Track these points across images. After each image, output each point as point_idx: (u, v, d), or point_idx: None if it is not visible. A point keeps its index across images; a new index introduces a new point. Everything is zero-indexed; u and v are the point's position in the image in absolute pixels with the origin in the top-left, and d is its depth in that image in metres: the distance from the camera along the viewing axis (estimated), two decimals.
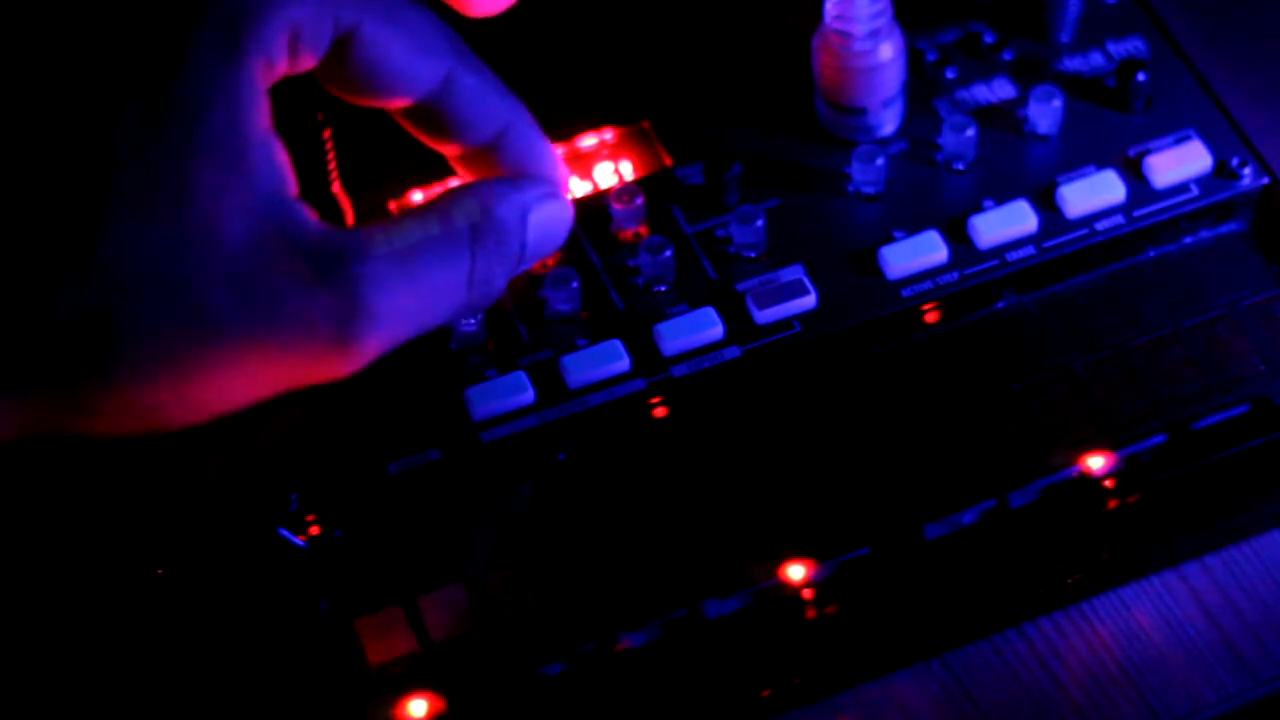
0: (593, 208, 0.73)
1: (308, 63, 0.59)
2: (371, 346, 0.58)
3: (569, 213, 0.65)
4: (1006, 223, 0.72)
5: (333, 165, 0.68)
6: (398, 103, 0.62)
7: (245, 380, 0.57)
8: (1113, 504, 0.68)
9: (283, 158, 0.58)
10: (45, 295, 0.55)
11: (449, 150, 0.65)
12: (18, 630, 0.65)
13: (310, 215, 0.58)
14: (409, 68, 0.61)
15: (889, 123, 0.75)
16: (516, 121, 0.64)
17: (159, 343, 0.55)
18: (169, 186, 0.55)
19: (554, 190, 0.64)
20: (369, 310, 0.57)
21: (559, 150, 0.70)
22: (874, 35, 0.72)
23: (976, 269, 0.71)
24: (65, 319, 0.55)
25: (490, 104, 0.63)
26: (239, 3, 0.56)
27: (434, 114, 0.63)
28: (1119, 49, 0.77)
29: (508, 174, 0.65)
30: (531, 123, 0.65)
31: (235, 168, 0.56)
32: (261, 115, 0.57)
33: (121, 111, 0.55)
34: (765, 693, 0.65)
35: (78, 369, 0.55)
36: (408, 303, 0.59)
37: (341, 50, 0.60)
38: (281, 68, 0.58)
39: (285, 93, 0.61)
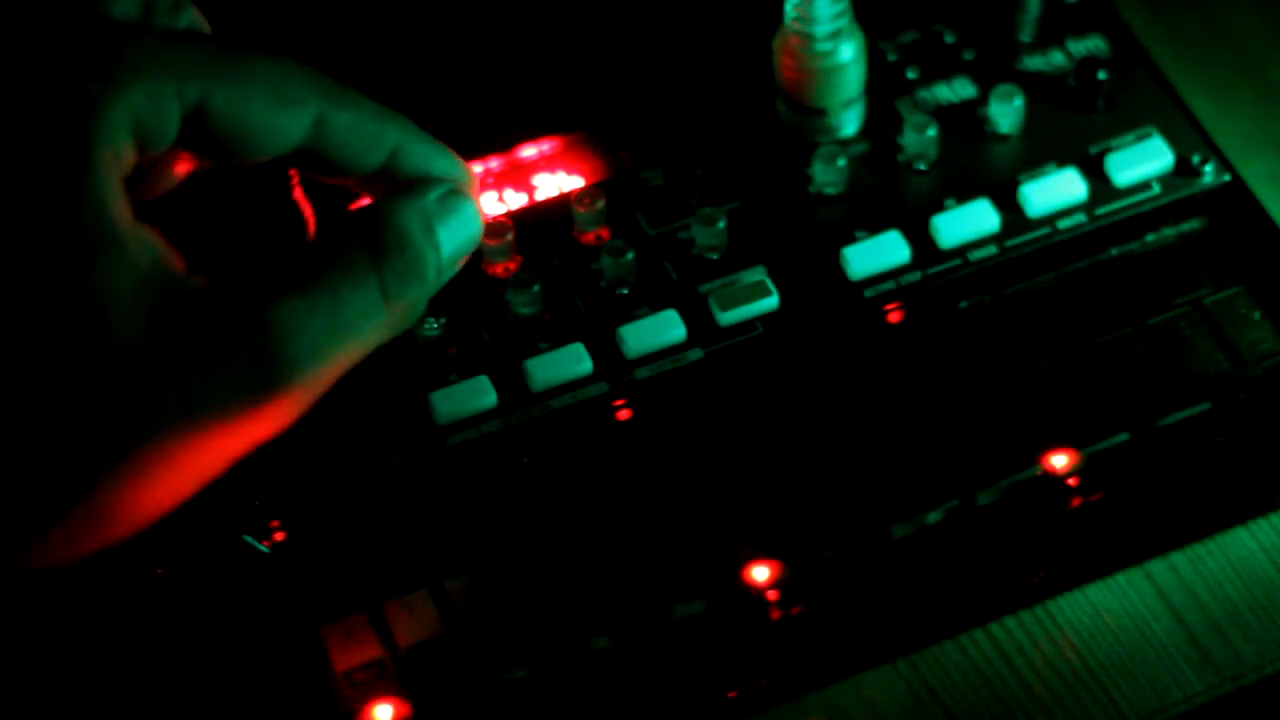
0: (555, 211, 0.73)
1: (159, 148, 0.57)
2: (302, 389, 0.56)
3: (476, 207, 0.63)
4: (968, 222, 0.72)
5: (292, 170, 0.68)
6: (273, 156, 0.60)
7: (189, 467, 0.55)
8: (1076, 502, 0.68)
9: (157, 237, 0.56)
10: None
11: (346, 182, 0.63)
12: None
13: (202, 283, 0.56)
14: (272, 123, 0.58)
15: (850, 123, 0.75)
16: (403, 140, 0.62)
17: (93, 459, 0.54)
18: (54, 297, 0.54)
19: (454, 188, 0.62)
20: (287, 355, 0.56)
21: (503, 162, 0.70)
22: (834, 36, 0.72)
23: (939, 268, 0.71)
24: None
25: (369, 134, 0.61)
26: (78, 100, 0.55)
27: (315, 157, 0.60)
28: (1079, 48, 0.77)
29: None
30: (420, 137, 0.62)
31: (114, 257, 0.54)
32: (124, 207, 0.55)
33: None
34: (732, 694, 0.65)
35: (17, 514, 0.54)
36: (325, 336, 0.57)
37: (196, 124, 0.57)
38: (131, 159, 0.56)
39: None
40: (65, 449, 0.53)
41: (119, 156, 0.55)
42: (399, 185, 0.61)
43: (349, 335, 0.58)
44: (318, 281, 0.57)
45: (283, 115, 0.59)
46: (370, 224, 0.59)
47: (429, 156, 0.62)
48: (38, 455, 0.53)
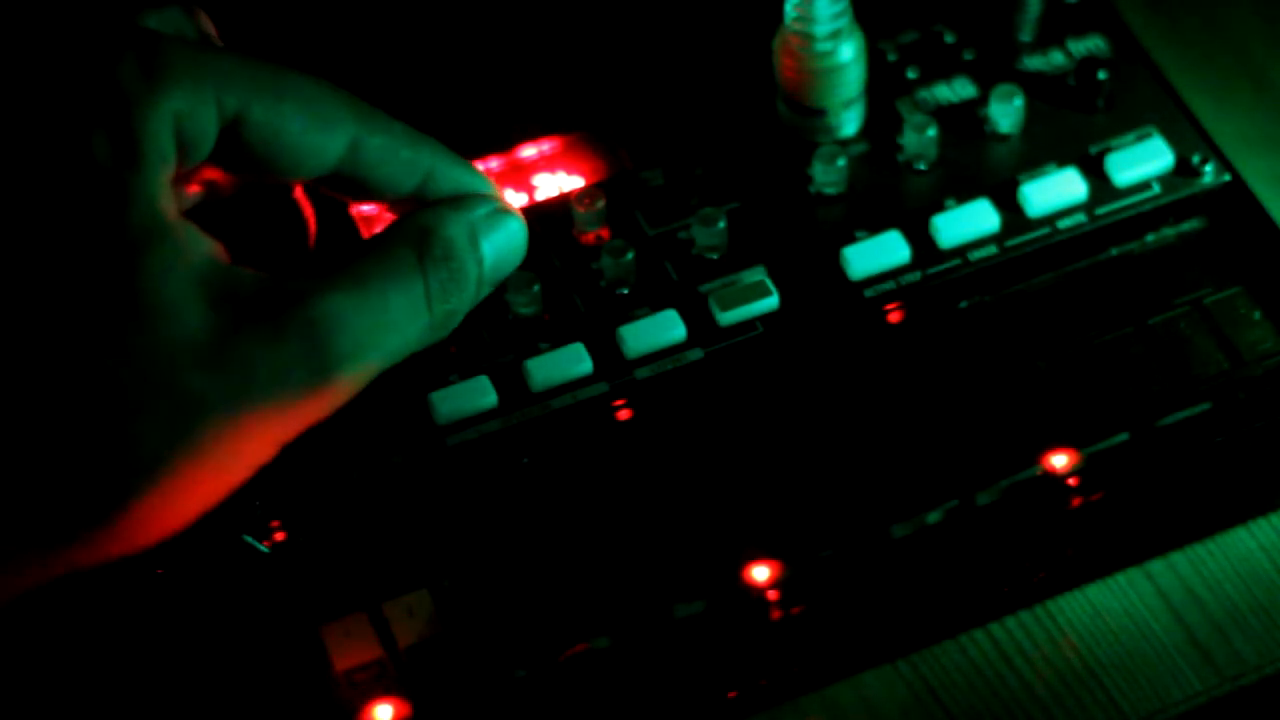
0: (554, 211, 0.73)
1: (198, 156, 0.57)
2: (346, 382, 0.58)
3: (521, 224, 0.63)
4: (968, 222, 0.72)
5: None
6: (307, 177, 0.61)
7: (243, 453, 0.56)
8: (1077, 502, 0.68)
9: (203, 233, 0.57)
10: (36, 447, 0.54)
11: (377, 205, 0.64)
12: None
13: (252, 274, 0.57)
14: (308, 142, 0.59)
15: (850, 123, 0.75)
16: (436, 164, 0.62)
17: (159, 447, 0.55)
18: (113, 292, 0.54)
19: (501, 205, 0.63)
20: (335, 346, 0.57)
21: (503, 162, 0.70)
22: (834, 36, 0.72)
23: (939, 268, 0.71)
24: (64, 462, 0.54)
25: (403, 158, 0.61)
26: (124, 99, 0.55)
27: (349, 180, 0.61)
28: (1079, 48, 0.77)
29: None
30: (453, 160, 0.63)
31: (167, 250, 0.55)
32: (172, 204, 0.56)
33: (45, 230, 0.55)
34: (732, 694, 0.65)
35: (86, 508, 0.54)
36: (370, 333, 0.58)
37: (233, 139, 0.58)
38: (174, 162, 0.57)
39: None
40: (131, 437, 0.54)
41: (165, 158, 0.56)
42: (440, 201, 0.62)
43: (392, 335, 0.59)
44: (366, 280, 0.58)
45: (321, 134, 0.59)
46: (419, 231, 0.60)
47: (462, 180, 0.62)
48: (103, 444, 0.54)
